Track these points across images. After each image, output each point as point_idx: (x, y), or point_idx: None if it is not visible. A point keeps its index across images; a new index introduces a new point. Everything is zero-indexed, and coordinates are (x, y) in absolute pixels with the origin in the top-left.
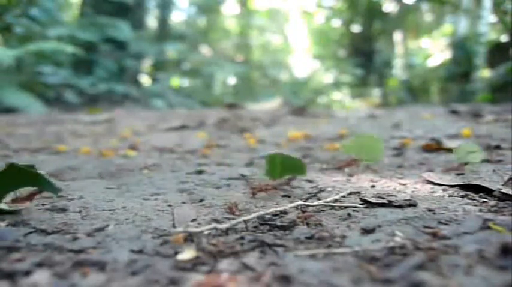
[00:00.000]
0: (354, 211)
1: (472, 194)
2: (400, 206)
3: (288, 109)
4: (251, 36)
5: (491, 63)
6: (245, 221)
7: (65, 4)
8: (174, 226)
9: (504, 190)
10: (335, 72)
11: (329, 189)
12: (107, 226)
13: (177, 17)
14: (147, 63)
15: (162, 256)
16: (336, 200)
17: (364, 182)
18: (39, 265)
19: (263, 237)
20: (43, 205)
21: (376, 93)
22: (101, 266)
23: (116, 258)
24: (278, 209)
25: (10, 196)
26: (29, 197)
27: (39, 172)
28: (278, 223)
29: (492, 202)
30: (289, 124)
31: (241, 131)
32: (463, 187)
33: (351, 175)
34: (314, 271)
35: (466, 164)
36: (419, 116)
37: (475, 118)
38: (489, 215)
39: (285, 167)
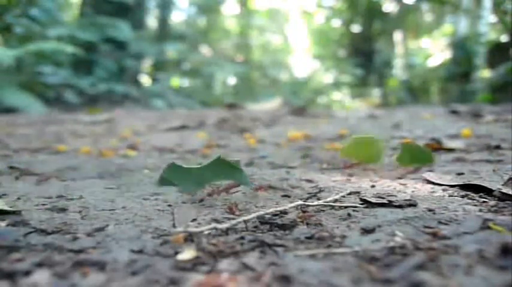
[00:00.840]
0: (354, 211)
1: (472, 194)
2: (400, 206)
3: (288, 109)
4: (251, 36)
5: (491, 63)
6: (245, 221)
7: (65, 4)
8: (174, 226)
9: (504, 190)
10: (335, 72)
11: (329, 189)
12: (107, 226)
13: (177, 17)
14: (147, 63)
15: (162, 256)
16: (336, 200)
17: (364, 182)
18: (39, 265)
19: (263, 237)
20: (43, 205)
21: (376, 93)
22: (101, 266)
23: (116, 258)
24: (278, 209)
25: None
26: (226, 189)
27: (240, 167)
28: (278, 223)
29: (492, 202)
30: (289, 124)
31: (241, 131)
32: (463, 187)
33: (350, 175)
34: (314, 271)
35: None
36: (419, 116)
37: (475, 118)
38: (489, 215)
39: (414, 157)
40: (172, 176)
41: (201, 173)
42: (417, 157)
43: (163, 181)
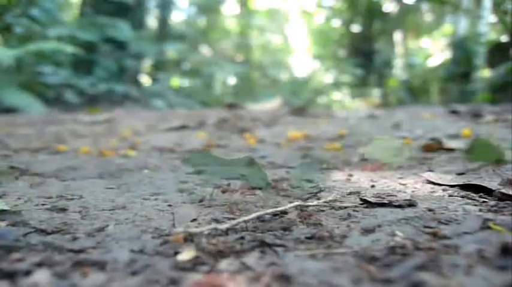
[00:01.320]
0: (354, 211)
1: (472, 194)
2: (400, 206)
3: (288, 109)
4: (251, 36)
5: (491, 63)
6: (245, 221)
7: (65, 4)
8: (174, 226)
9: (504, 190)
10: (335, 72)
11: (329, 189)
12: (107, 226)
13: (177, 17)
14: (147, 63)
15: (162, 256)
16: (336, 200)
17: (364, 182)
18: (39, 265)
19: (263, 237)
20: (43, 205)
21: (376, 93)
22: (101, 266)
23: (116, 258)
24: (278, 209)
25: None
26: (242, 191)
27: (267, 175)
28: (278, 223)
29: (492, 202)
30: (289, 124)
31: (241, 131)
32: (463, 187)
33: (351, 175)
34: (314, 271)
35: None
36: (419, 116)
37: (475, 118)
38: (489, 215)
39: (485, 153)
40: (199, 160)
41: (229, 167)
42: (488, 153)
43: (189, 162)
